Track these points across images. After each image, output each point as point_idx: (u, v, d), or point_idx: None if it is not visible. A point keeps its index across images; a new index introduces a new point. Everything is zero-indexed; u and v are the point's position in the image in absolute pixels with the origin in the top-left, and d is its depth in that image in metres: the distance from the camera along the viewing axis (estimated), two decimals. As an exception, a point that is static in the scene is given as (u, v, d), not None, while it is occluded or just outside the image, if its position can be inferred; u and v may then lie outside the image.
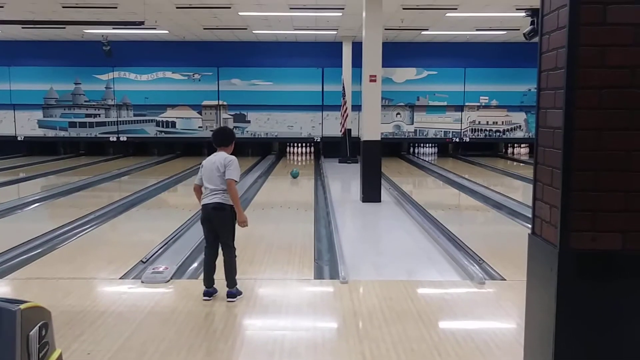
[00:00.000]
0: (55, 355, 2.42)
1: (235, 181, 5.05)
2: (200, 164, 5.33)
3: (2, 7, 12.64)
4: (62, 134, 19.60)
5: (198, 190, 5.26)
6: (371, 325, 4.61)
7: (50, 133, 19.58)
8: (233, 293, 5.14)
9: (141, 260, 6.38)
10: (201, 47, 18.96)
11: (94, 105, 19.44)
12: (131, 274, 6.02)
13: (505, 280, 5.82)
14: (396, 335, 4.42)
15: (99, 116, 19.50)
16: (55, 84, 19.29)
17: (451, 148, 20.39)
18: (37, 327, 2.22)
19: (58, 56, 19.04)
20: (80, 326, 4.57)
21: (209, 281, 5.22)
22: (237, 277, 5.20)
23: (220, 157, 5.12)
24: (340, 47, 18.00)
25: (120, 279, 5.86)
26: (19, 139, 19.55)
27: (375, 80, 10.34)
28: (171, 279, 5.72)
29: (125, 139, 19.57)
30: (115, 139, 19.57)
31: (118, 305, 5.05)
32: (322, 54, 19.03)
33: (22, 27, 15.31)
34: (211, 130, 5.40)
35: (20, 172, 15.35)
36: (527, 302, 3.11)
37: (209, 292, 5.20)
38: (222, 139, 5.29)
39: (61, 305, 4.97)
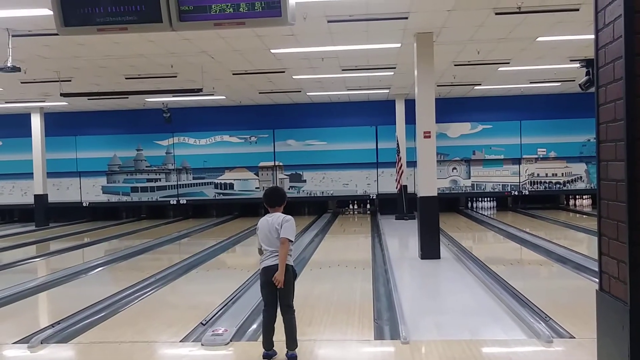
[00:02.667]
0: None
1: (291, 241, 5.02)
2: (256, 226, 5.34)
3: (69, 80, 13.33)
4: (124, 198, 20.24)
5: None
6: (435, 388, 4.48)
7: (114, 198, 20.25)
8: (294, 355, 5.06)
9: (201, 323, 6.40)
10: (257, 110, 19.46)
11: (154, 170, 20.07)
12: (191, 336, 6.03)
13: (574, 338, 5.57)
14: (461, 398, 4.27)
15: (160, 180, 20.09)
16: (118, 150, 20.07)
17: (510, 201, 20.04)
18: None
19: (121, 124, 19.87)
20: (142, 390, 4.58)
21: (268, 344, 5.16)
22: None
23: (277, 218, 5.11)
24: (393, 104, 18.16)
25: (180, 342, 5.87)
26: (84, 204, 20.28)
27: (429, 137, 10.34)
28: (231, 340, 5.71)
29: (185, 201, 20.04)
30: (175, 202, 20.06)
31: (179, 369, 5.06)
32: (375, 112, 19.25)
33: (88, 99, 16.04)
34: (267, 191, 5.40)
35: (85, 237, 15.82)
36: (598, 363, 2.98)
37: (269, 354, 5.14)
38: (274, 199, 5.30)
39: (124, 370, 5.01)
